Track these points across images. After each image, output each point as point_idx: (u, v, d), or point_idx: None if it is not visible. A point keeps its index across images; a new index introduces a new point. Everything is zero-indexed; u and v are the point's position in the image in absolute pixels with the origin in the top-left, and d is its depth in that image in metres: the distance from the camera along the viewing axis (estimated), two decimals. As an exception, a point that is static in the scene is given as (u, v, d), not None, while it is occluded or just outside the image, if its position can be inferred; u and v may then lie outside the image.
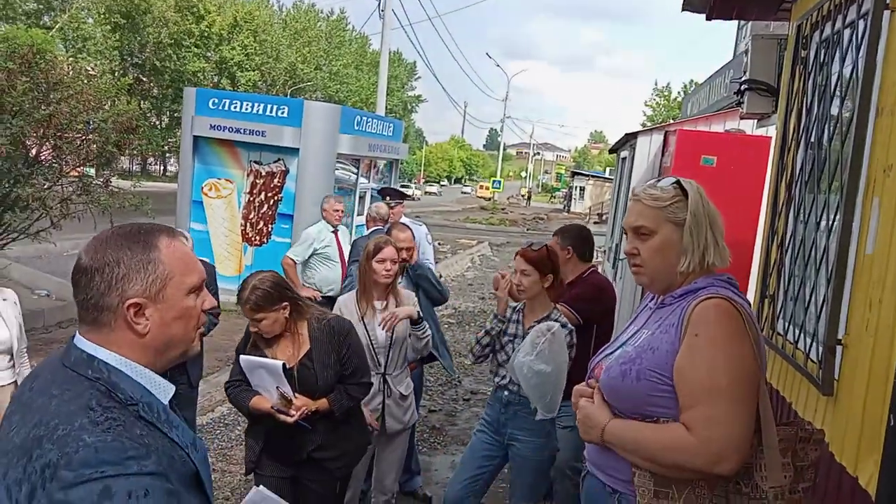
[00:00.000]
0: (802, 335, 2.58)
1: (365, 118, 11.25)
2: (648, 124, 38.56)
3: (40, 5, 33.68)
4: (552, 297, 3.20)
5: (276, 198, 9.93)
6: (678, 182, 1.83)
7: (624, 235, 1.92)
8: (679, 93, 50.42)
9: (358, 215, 10.94)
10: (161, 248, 1.22)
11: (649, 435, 1.64)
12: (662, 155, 6.18)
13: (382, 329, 3.33)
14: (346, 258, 6.13)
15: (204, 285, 1.30)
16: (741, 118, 5.12)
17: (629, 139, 7.31)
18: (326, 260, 5.92)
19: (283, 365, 2.74)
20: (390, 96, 50.37)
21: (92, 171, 8.37)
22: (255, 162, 9.93)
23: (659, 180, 1.89)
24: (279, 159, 9.87)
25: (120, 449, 1.06)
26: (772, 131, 4.81)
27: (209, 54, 41.45)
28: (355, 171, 10.99)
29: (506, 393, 3.13)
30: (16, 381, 3.19)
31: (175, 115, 39.51)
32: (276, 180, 9.91)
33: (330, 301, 4.67)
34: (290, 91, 41.60)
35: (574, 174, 53.52)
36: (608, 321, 3.83)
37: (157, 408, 1.20)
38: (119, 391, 1.16)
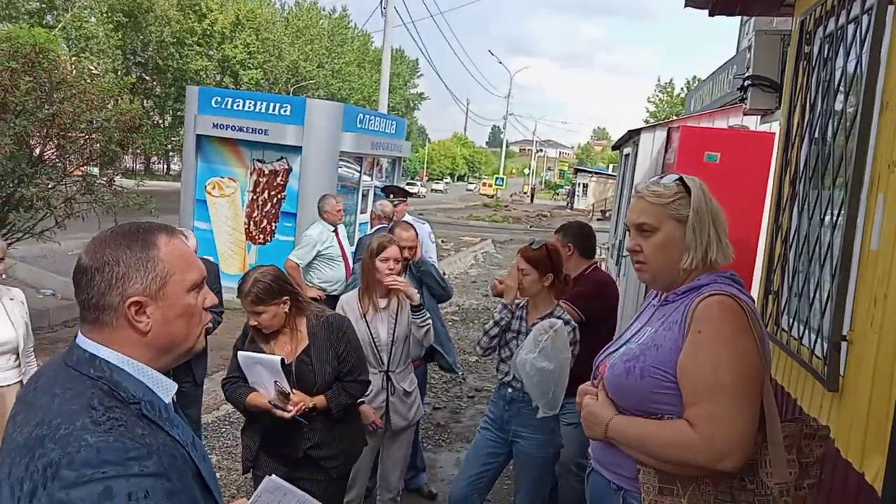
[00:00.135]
0: (807, 331, 2.58)
1: (367, 116, 11.25)
2: (651, 121, 38.48)
3: (43, 4, 33.73)
4: (555, 294, 3.20)
5: (279, 196, 9.94)
6: (681, 179, 1.83)
7: (627, 232, 1.92)
8: (682, 89, 50.29)
9: (361, 213, 10.94)
10: (160, 247, 1.22)
11: (653, 432, 1.64)
12: (666, 151, 6.17)
13: (391, 285, 3.33)
14: (348, 255, 6.15)
15: (205, 282, 1.30)
16: (744, 114, 5.11)
17: (632, 136, 7.29)
18: (330, 260, 5.92)
19: (282, 360, 2.74)
20: (393, 94, 50.39)
21: (96, 171, 8.39)
22: (258, 160, 9.95)
23: (662, 177, 1.89)
24: (282, 157, 9.88)
25: (121, 449, 1.06)
26: (775, 127, 4.80)
27: (212, 53, 41.46)
28: (358, 168, 11.00)
29: (509, 390, 3.13)
30: (21, 381, 3.20)
31: (178, 113, 39.53)
32: (279, 178, 9.92)
33: (334, 299, 4.68)
34: (292, 89, 41.60)
35: (577, 171, 53.42)
36: (611, 318, 3.83)
37: (159, 406, 1.20)
38: (121, 390, 1.16)
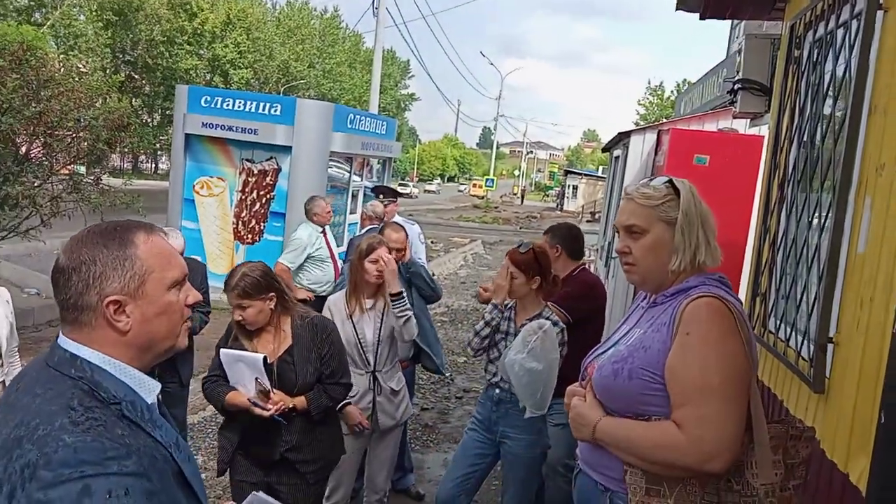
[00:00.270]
0: (794, 333, 2.59)
1: (358, 116, 11.23)
2: (641, 123, 38.66)
3: (31, 2, 33.42)
4: (544, 295, 3.20)
5: (268, 196, 9.90)
6: (670, 181, 1.83)
7: (616, 234, 1.92)
8: (672, 91, 50.57)
9: (351, 213, 10.92)
10: (138, 245, 1.21)
11: (640, 433, 1.64)
12: (655, 154, 6.19)
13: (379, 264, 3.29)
14: (336, 256, 6.13)
15: (186, 280, 1.28)
16: (734, 117, 5.14)
17: (622, 138, 7.32)
18: (319, 262, 5.90)
19: (264, 358, 2.72)
20: (383, 94, 50.35)
21: (82, 169, 8.32)
22: (248, 160, 9.90)
23: (651, 179, 1.89)
24: (272, 157, 9.84)
25: (100, 449, 1.05)
26: (764, 130, 4.83)
27: (202, 52, 41.24)
28: (348, 169, 10.97)
29: (497, 391, 3.12)
30: (3, 381, 3.15)
31: (167, 112, 39.29)
32: (268, 178, 9.88)
33: (324, 300, 4.66)
34: (283, 89, 41.47)
35: (567, 173, 53.57)
36: (598, 319, 3.84)
37: (140, 406, 1.19)
38: (102, 390, 1.15)
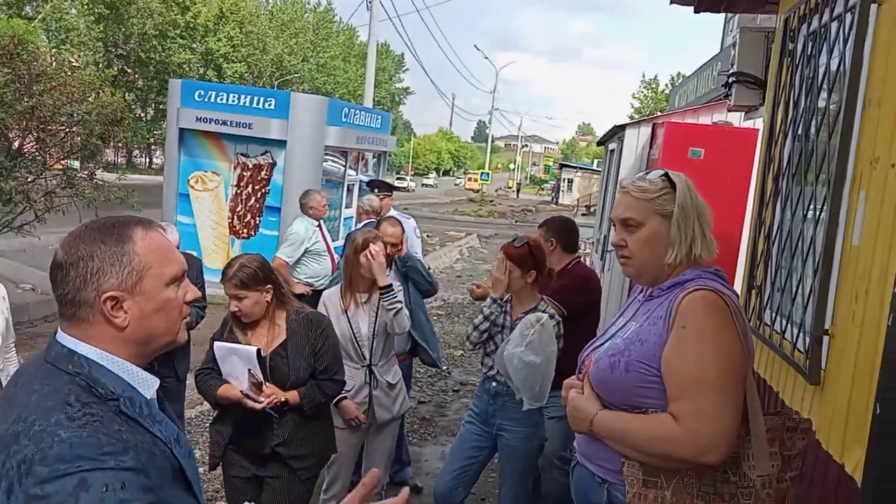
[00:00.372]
0: (789, 325, 2.61)
1: (353, 110, 11.20)
2: (636, 116, 38.66)
3: (22, -5, 33.14)
4: (539, 288, 3.21)
5: (263, 190, 9.87)
6: (666, 174, 1.84)
7: (613, 227, 1.92)
8: (667, 85, 50.61)
9: (346, 207, 10.90)
10: (136, 240, 1.20)
11: (637, 426, 1.65)
12: (650, 147, 6.20)
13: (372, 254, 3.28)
14: (332, 250, 6.12)
15: (185, 276, 1.28)
16: (728, 110, 5.15)
17: (617, 131, 7.33)
18: (316, 255, 5.89)
19: (258, 351, 2.72)
20: (378, 88, 50.15)
21: (76, 164, 8.28)
22: (242, 154, 9.87)
23: (647, 172, 1.89)
24: (266, 151, 9.81)
25: (95, 445, 1.05)
26: (759, 123, 4.84)
27: (195, 46, 41.00)
28: (343, 163, 10.95)
29: (494, 384, 3.13)
30: (-1, 377, 3.14)
31: (160, 107, 39.05)
32: (263, 173, 9.85)
33: (321, 294, 4.66)
34: (276, 83, 41.28)
35: (562, 166, 53.56)
36: (594, 312, 3.85)
37: (139, 402, 1.19)
38: (99, 386, 1.14)
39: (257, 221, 9.92)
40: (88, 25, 33.73)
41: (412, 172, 73.46)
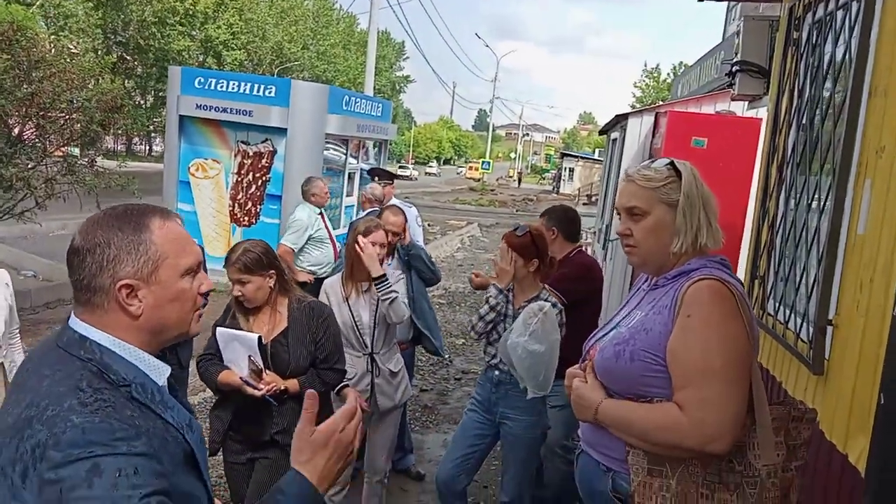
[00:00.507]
0: (793, 315, 2.61)
1: (353, 98, 11.15)
2: (637, 106, 38.52)
3: (20, -19, 32.88)
4: (541, 277, 3.21)
5: (263, 178, 9.85)
6: (672, 163, 1.83)
7: (617, 216, 1.92)
8: (668, 74, 50.37)
9: (347, 196, 10.88)
10: (153, 230, 1.20)
11: (642, 415, 1.65)
12: (653, 136, 6.18)
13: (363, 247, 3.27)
14: (334, 237, 6.12)
15: (200, 267, 1.28)
16: (732, 99, 5.12)
17: (620, 120, 7.29)
18: (319, 243, 5.89)
19: (259, 338, 2.72)
20: (378, 76, 49.93)
21: (76, 151, 8.25)
22: (243, 142, 9.84)
23: (653, 161, 1.88)
24: (267, 139, 9.78)
25: (108, 430, 1.06)
26: (762, 113, 4.82)
27: (194, 33, 40.74)
28: (344, 151, 10.92)
29: (496, 372, 3.14)
30: (2, 364, 3.15)
31: (160, 94, 38.88)
32: (263, 160, 9.82)
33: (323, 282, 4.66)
34: (276, 70, 41.07)
35: (563, 155, 53.44)
36: (595, 300, 3.85)
37: (150, 389, 1.19)
38: (111, 372, 1.15)
39: (258, 209, 9.90)
40: (87, 12, 33.51)
41: (412, 161, 73.29)
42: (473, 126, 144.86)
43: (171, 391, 1.29)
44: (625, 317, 1.85)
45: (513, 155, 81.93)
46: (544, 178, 67.70)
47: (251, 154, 9.84)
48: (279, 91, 9.66)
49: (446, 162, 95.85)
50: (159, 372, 1.23)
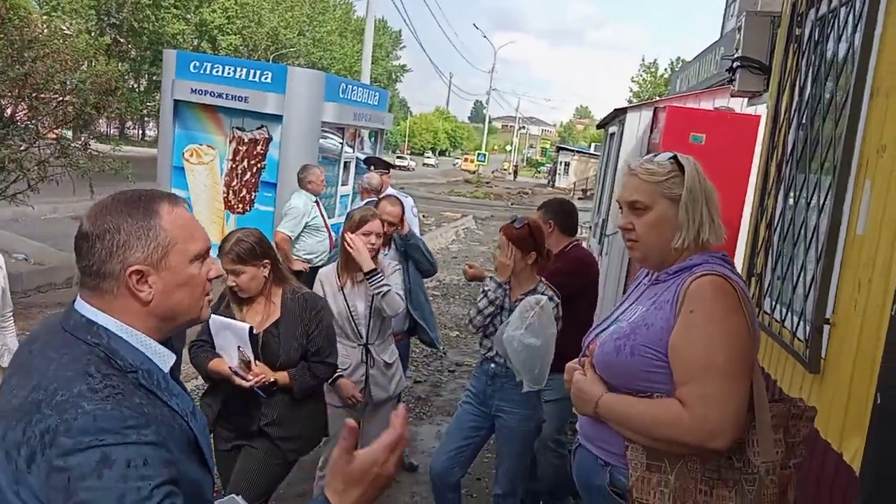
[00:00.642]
0: (789, 314, 2.61)
1: (350, 86, 11.07)
2: (635, 100, 38.48)
3: (13, -40, 32.38)
4: (538, 270, 3.20)
5: (259, 165, 9.78)
6: (675, 157, 1.82)
7: (619, 210, 1.90)
8: (666, 69, 50.29)
9: (342, 185, 10.83)
10: (162, 215, 1.20)
11: (643, 410, 1.65)
12: (651, 131, 6.16)
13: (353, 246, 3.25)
14: (329, 226, 6.09)
15: (209, 253, 1.28)
16: (732, 96, 5.11)
17: (618, 114, 7.28)
18: (315, 231, 5.86)
19: (251, 328, 2.70)
20: (374, 65, 49.58)
21: (69, 134, 8.16)
22: (238, 128, 9.74)
23: (656, 155, 1.87)
24: (262, 126, 9.69)
25: (119, 418, 1.05)
26: (761, 109, 4.81)
27: (189, 16, 40.31)
28: (341, 140, 10.85)
29: (492, 365, 3.13)
30: (-5, 346, 3.13)
31: (154, 78, 38.53)
32: (259, 147, 9.74)
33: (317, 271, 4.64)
34: (272, 57, 40.74)
35: (559, 149, 53.34)
36: (591, 293, 3.84)
37: (157, 376, 1.19)
38: (118, 358, 1.14)
39: (252, 197, 9.83)
40: (81, -8, 33.09)
41: (408, 151, 73.04)
42: (469, 117, 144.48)
43: (173, 378, 1.28)
44: (625, 311, 1.84)
45: (508, 147, 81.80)
46: (539, 172, 67.59)
47: (246, 141, 9.75)
48: (275, 77, 9.57)
49: (442, 153, 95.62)
50: (165, 359, 1.23)
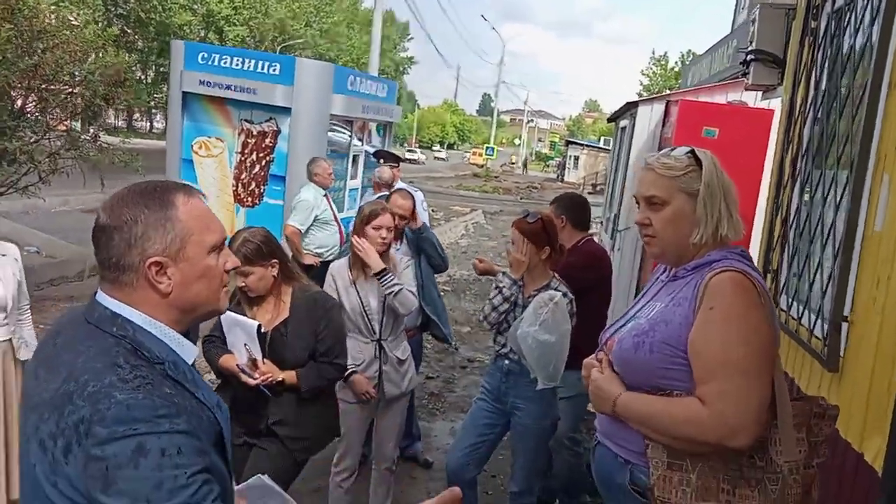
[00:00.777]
0: (807, 311, 2.58)
1: (359, 78, 11.03)
2: (644, 94, 38.21)
3: (21, -49, 32.40)
4: (551, 265, 3.18)
5: (267, 158, 9.77)
6: (692, 151, 1.80)
7: (636, 205, 1.88)
8: (676, 62, 49.92)
9: (352, 178, 10.81)
10: (178, 206, 1.20)
11: (662, 408, 1.63)
12: (663, 125, 6.12)
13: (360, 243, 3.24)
14: (339, 220, 6.08)
15: (225, 244, 1.28)
16: (746, 89, 5.06)
17: (629, 108, 7.23)
18: (325, 224, 5.85)
19: (259, 326, 2.69)
20: (382, 57, 49.43)
21: (78, 126, 8.16)
22: (247, 121, 9.73)
23: (673, 149, 1.85)
24: (271, 118, 9.67)
25: (151, 407, 1.06)
26: (775, 103, 4.77)
27: (196, 7, 40.27)
28: (350, 133, 10.82)
29: (506, 362, 3.11)
30: (10, 340, 3.13)
31: (161, 69, 38.55)
32: (267, 140, 9.73)
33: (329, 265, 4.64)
34: (279, 48, 40.67)
35: (568, 143, 53.08)
36: (604, 288, 3.82)
37: (182, 367, 1.19)
38: (145, 349, 1.15)
39: (262, 190, 9.83)
40: (88, -18, 33.07)
41: (417, 144, 72.94)
42: (477, 110, 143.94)
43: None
44: (643, 308, 1.83)
45: (517, 141, 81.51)
46: (548, 166, 67.30)
47: (255, 133, 9.74)
48: (284, 69, 9.54)
49: (450, 146, 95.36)
50: (188, 351, 1.23)
